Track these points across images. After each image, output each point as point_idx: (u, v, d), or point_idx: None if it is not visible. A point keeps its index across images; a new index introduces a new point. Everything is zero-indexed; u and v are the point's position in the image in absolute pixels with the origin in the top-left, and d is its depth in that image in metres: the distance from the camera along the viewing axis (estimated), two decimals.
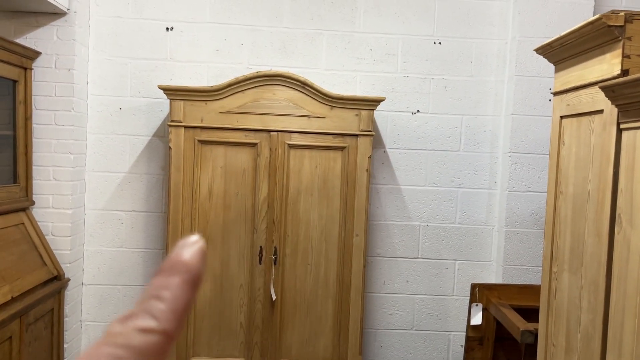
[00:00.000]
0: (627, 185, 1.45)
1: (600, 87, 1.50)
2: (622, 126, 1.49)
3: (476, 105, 3.35)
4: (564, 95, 1.87)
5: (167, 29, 3.23)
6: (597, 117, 1.64)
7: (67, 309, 3.08)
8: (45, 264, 2.90)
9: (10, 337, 2.47)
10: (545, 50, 1.91)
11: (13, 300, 2.51)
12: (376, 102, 2.89)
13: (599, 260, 1.58)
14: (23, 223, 2.87)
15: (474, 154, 3.37)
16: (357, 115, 2.88)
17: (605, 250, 1.55)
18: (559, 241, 1.87)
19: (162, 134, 3.27)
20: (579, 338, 1.70)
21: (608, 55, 1.57)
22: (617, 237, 1.50)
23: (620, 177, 1.50)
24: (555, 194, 1.92)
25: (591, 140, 1.68)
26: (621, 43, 1.49)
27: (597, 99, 1.62)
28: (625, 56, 1.49)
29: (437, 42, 3.32)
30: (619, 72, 1.50)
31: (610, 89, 1.46)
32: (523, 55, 3.17)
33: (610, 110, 1.54)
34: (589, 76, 1.67)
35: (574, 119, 1.80)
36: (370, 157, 2.92)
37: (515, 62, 3.20)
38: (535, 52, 2.00)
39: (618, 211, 1.50)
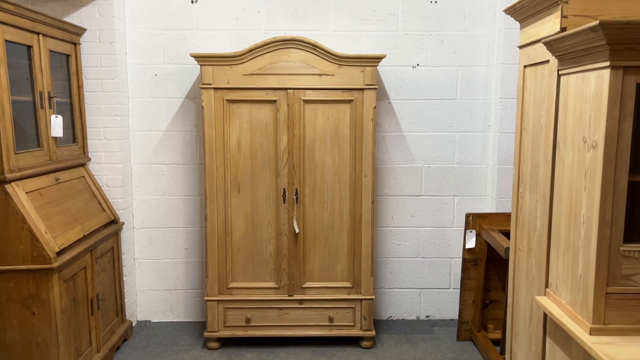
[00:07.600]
0: (562, 118, 1.89)
1: (543, 43, 1.92)
2: (560, 72, 1.92)
3: (470, 57, 3.74)
4: (526, 48, 2.28)
5: (192, 1, 3.65)
6: (546, 65, 2.06)
7: (123, 247, 3.66)
8: (104, 210, 3.45)
9: (85, 267, 3.05)
10: (511, 11, 2.31)
11: (84, 237, 3.07)
12: (378, 59, 3.30)
13: (546, 177, 2.04)
14: (83, 176, 3.41)
15: (469, 101, 3.78)
16: (361, 71, 3.30)
17: (550, 169, 2.00)
18: (523, 168, 2.33)
19: (192, 95, 3.74)
20: (535, 240, 2.18)
21: (552, 16, 1.97)
22: (557, 158, 1.95)
23: (559, 112, 1.93)
24: (521, 130, 2.36)
25: (543, 85, 2.10)
26: (560, 6, 1.90)
27: (546, 51, 2.03)
28: (563, 16, 1.90)
29: (433, 1, 3.68)
30: (559, 29, 1.91)
31: (549, 44, 1.88)
32: None
33: (553, 60, 1.96)
34: (541, 33, 2.08)
35: (533, 68, 2.21)
36: (374, 107, 3.35)
37: (504, 16, 3.56)
38: (504, 12, 2.40)
39: (558, 139, 1.94)
